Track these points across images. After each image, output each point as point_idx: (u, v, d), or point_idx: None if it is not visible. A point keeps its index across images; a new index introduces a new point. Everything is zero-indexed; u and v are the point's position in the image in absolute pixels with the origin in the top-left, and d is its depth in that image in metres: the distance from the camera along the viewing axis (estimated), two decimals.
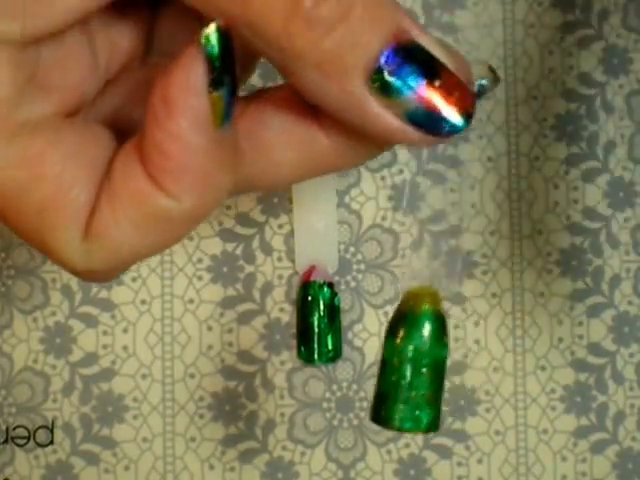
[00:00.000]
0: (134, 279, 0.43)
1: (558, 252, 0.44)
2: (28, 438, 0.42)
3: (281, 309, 0.43)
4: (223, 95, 0.19)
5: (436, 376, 0.24)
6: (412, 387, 0.24)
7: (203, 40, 0.19)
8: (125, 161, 0.21)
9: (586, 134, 0.44)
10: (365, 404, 0.43)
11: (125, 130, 0.23)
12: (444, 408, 0.43)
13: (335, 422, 0.43)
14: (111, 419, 0.43)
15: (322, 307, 0.41)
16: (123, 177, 0.21)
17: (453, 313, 0.43)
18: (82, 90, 0.22)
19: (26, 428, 0.42)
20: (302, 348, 0.42)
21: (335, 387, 0.43)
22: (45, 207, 0.21)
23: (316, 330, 0.41)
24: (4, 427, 0.42)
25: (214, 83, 0.19)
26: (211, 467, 0.43)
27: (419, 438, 0.43)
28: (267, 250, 0.43)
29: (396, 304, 0.43)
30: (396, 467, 0.43)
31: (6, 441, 0.42)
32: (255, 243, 0.43)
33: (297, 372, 0.43)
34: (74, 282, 0.43)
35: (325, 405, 0.43)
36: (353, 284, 0.43)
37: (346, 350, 0.43)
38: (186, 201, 0.20)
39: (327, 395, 0.43)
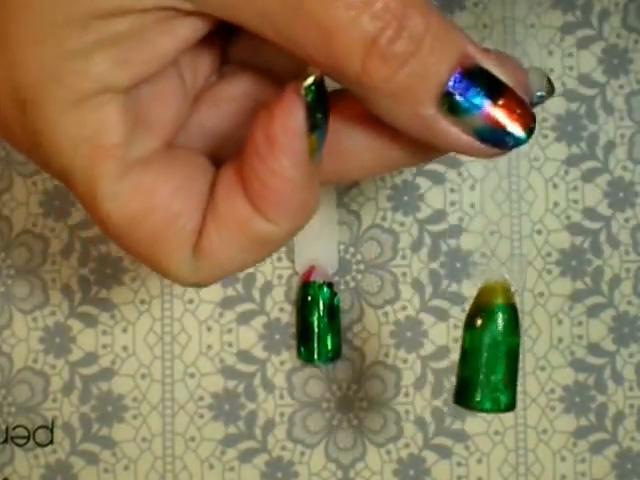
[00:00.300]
0: (133, 279, 0.43)
1: (558, 252, 0.44)
2: (28, 438, 0.42)
3: (281, 309, 0.43)
4: (319, 135, 0.22)
5: (511, 361, 0.27)
6: (491, 372, 0.27)
7: (303, 91, 0.21)
8: (227, 186, 0.23)
9: (586, 134, 0.44)
10: (365, 404, 0.43)
11: (213, 145, 0.26)
12: (443, 408, 0.43)
13: (335, 422, 0.43)
14: (111, 419, 0.43)
15: (322, 307, 0.42)
16: (226, 202, 0.23)
17: (453, 313, 0.43)
18: (178, 117, 0.24)
19: (26, 428, 0.42)
20: (302, 348, 0.42)
21: (335, 387, 0.43)
22: (157, 236, 0.23)
23: (316, 330, 0.42)
24: (4, 427, 0.42)
25: (312, 126, 0.22)
26: (211, 467, 0.43)
27: (419, 438, 0.43)
28: None
29: (395, 304, 0.44)
30: (395, 467, 0.44)
31: (6, 441, 0.42)
32: None
33: (297, 372, 0.43)
34: (74, 282, 0.43)
35: (325, 405, 0.43)
36: (353, 284, 0.43)
37: (346, 350, 0.43)
38: (284, 225, 0.23)
39: (327, 395, 0.43)
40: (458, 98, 0.22)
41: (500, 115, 0.22)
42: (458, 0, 0.43)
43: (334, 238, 0.43)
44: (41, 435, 0.42)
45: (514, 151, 0.43)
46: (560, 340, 0.44)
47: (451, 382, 0.43)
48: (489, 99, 0.22)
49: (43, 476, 0.43)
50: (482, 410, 0.27)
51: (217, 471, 0.43)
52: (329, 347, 0.42)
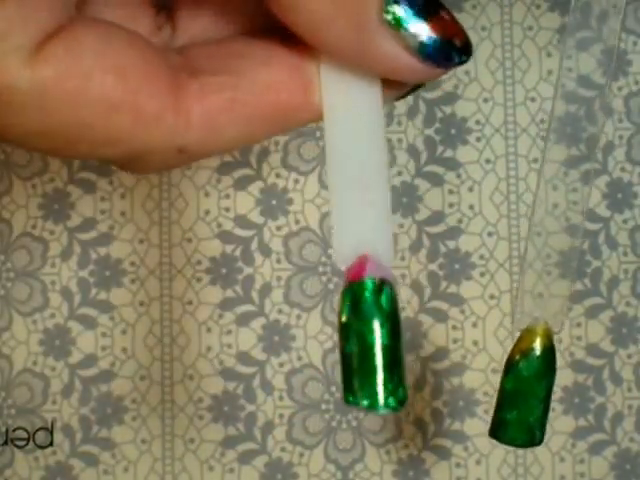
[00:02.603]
0: (132, 281, 0.43)
1: (557, 253, 0.44)
2: (28, 440, 0.42)
3: (280, 311, 0.43)
4: None
5: (547, 400, 0.28)
6: (528, 412, 0.28)
7: None
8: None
9: (585, 136, 0.44)
10: None
11: None
12: (442, 409, 0.43)
13: (334, 423, 0.44)
14: (110, 420, 0.43)
15: (383, 320, 0.24)
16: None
17: (452, 314, 0.44)
18: None
19: (26, 430, 0.42)
20: (354, 386, 0.23)
21: (334, 388, 0.43)
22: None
23: (378, 357, 0.23)
24: (4, 429, 0.42)
25: None
26: (210, 468, 0.43)
27: (418, 439, 0.44)
28: (266, 252, 0.43)
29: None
30: (395, 468, 0.44)
31: (6, 443, 0.42)
32: (254, 245, 0.43)
33: (296, 374, 0.43)
34: (73, 284, 0.43)
35: (324, 406, 0.43)
36: None
37: None
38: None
39: (326, 396, 0.43)
40: (405, 6, 0.19)
41: (447, 27, 0.20)
42: (456, 2, 0.43)
43: (386, 212, 0.25)
44: (41, 437, 0.42)
45: (512, 153, 0.43)
46: (559, 341, 0.44)
47: (450, 383, 0.44)
48: (435, 10, 0.20)
49: (43, 478, 0.43)
50: (517, 446, 0.29)
51: (217, 472, 0.43)
52: (397, 382, 0.23)
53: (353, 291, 0.22)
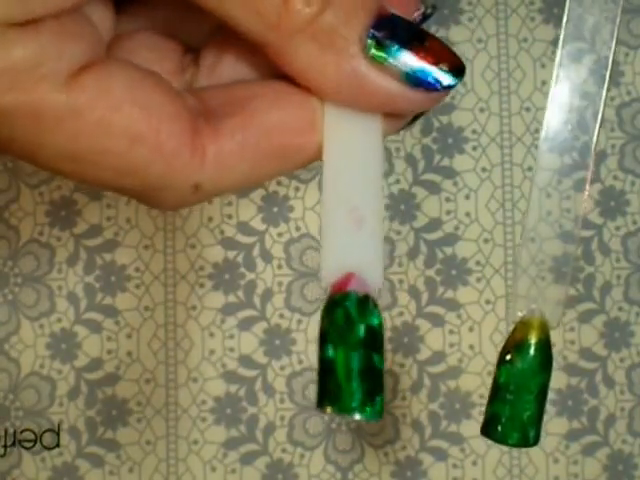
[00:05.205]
0: (137, 286, 0.44)
1: (551, 259, 0.45)
2: (35, 441, 0.43)
3: (281, 315, 0.44)
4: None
5: (541, 398, 0.27)
6: (522, 408, 0.26)
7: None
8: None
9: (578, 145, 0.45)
10: None
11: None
12: (439, 411, 0.44)
13: (333, 425, 0.44)
14: (115, 422, 0.43)
15: (359, 334, 0.23)
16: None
17: (448, 319, 0.44)
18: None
19: (33, 431, 0.43)
20: (323, 394, 0.23)
21: None
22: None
23: (343, 369, 0.23)
24: (12, 430, 0.43)
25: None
26: (213, 469, 0.44)
27: (416, 440, 0.44)
28: (267, 258, 0.44)
29: (393, 310, 0.44)
30: (393, 469, 0.44)
31: (14, 444, 0.42)
32: (255, 251, 0.44)
33: (296, 377, 0.44)
34: (79, 289, 0.44)
35: None
36: None
37: None
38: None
39: None
40: (384, 39, 0.21)
41: (428, 54, 0.22)
42: (453, 15, 0.44)
43: (377, 238, 0.25)
44: (48, 438, 0.43)
45: (508, 161, 0.44)
46: (553, 345, 0.44)
47: (447, 387, 0.44)
48: (414, 40, 0.21)
49: (50, 478, 0.43)
50: (510, 444, 0.27)
51: (219, 473, 0.44)
52: (357, 396, 0.22)
53: (335, 302, 0.22)
